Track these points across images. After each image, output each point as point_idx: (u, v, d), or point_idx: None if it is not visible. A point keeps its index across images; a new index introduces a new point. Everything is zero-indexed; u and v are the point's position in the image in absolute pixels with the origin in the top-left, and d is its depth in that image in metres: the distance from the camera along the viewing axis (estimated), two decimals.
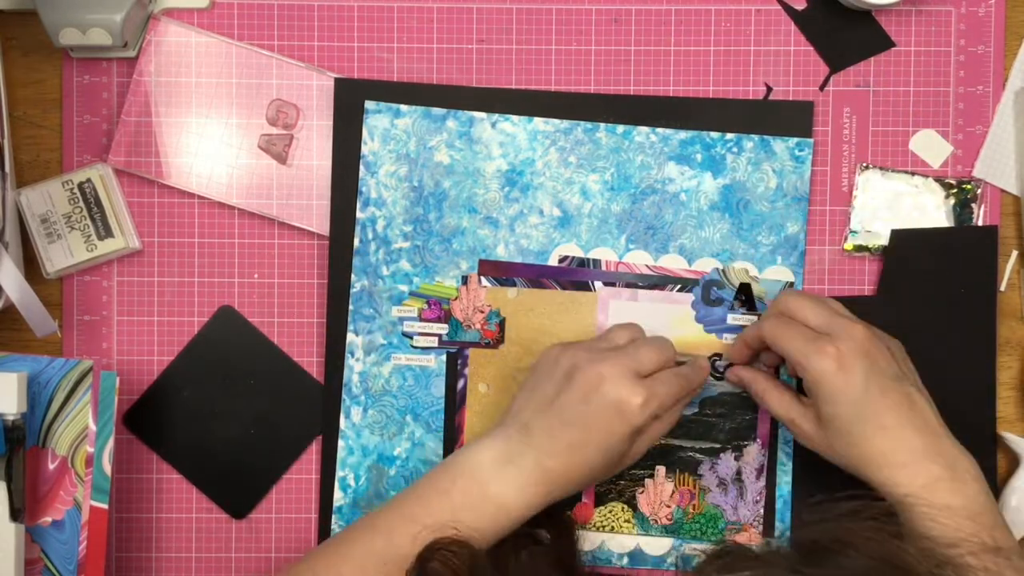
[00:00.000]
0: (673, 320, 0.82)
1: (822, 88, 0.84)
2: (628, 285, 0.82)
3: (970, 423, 0.83)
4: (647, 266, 0.82)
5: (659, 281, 0.82)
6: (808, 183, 0.82)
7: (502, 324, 0.83)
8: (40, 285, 0.81)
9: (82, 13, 0.78)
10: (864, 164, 0.83)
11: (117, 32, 0.78)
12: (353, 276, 0.82)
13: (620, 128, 0.82)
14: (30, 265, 0.82)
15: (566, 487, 0.73)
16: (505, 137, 0.82)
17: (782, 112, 0.82)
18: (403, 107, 0.82)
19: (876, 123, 0.84)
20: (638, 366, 0.73)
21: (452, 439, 0.83)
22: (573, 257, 0.82)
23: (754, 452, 0.83)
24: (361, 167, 0.82)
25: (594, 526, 0.83)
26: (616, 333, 0.77)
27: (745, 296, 0.82)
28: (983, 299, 0.83)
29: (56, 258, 0.81)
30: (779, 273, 0.82)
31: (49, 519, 0.78)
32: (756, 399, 0.78)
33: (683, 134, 0.82)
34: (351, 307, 0.82)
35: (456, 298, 0.83)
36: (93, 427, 0.77)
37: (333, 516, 0.83)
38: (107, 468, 0.77)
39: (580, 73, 0.83)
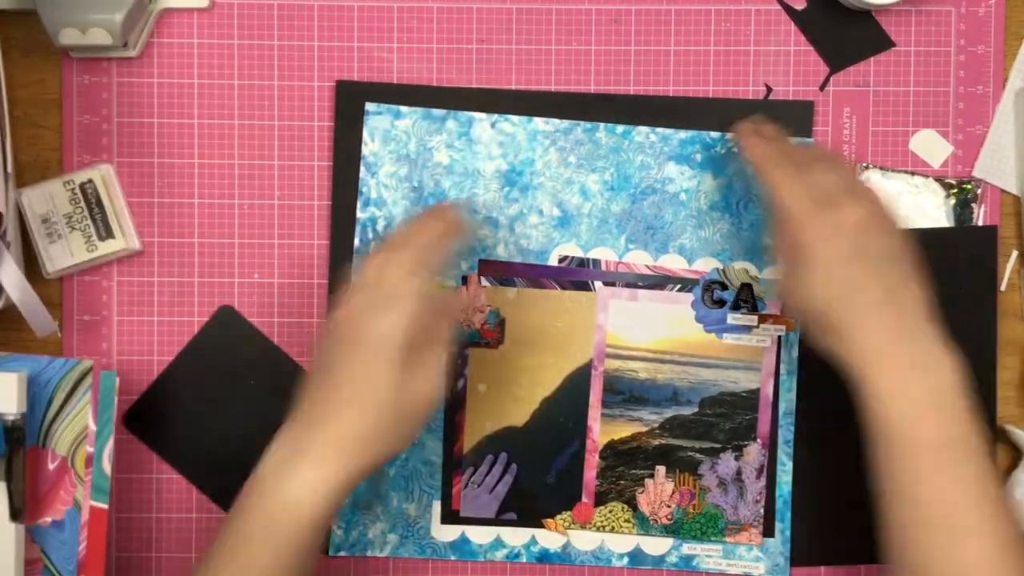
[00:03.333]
0: (673, 320, 0.82)
1: (822, 88, 0.84)
2: (628, 285, 0.82)
3: None
4: (647, 266, 0.82)
5: (659, 281, 0.83)
6: None
7: (502, 324, 0.83)
8: (40, 285, 0.81)
9: (82, 13, 0.78)
10: (865, 164, 0.83)
11: (117, 32, 0.78)
12: (353, 277, 0.82)
13: (620, 128, 0.82)
14: (30, 265, 0.82)
15: (361, 459, 0.66)
16: (505, 137, 0.82)
17: (782, 112, 0.82)
18: (403, 108, 0.82)
19: (876, 123, 0.84)
20: (382, 290, 0.68)
21: (452, 439, 0.83)
22: (573, 257, 0.82)
23: (754, 452, 0.83)
24: (362, 168, 0.82)
25: (594, 526, 0.83)
26: (367, 265, 0.70)
27: (747, 296, 0.82)
28: (983, 299, 0.83)
29: (56, 258, 0.81)
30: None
31: (49, 519, 0.78)
32: (766, 182, 0.73)
33: (683, 134, 0.82)
34: None
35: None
36: (93, 427, 0.77)
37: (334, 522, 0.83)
38: (107, 468, 0.77)
39: (580, 73, 0.83)
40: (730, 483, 0.83)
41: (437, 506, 0.83)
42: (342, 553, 0.83)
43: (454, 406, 0.83)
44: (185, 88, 0.83)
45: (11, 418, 0.75)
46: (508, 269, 0.83)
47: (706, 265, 0.82)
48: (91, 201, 0.82)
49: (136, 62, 0.83)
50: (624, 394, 0.83)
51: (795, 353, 0.83)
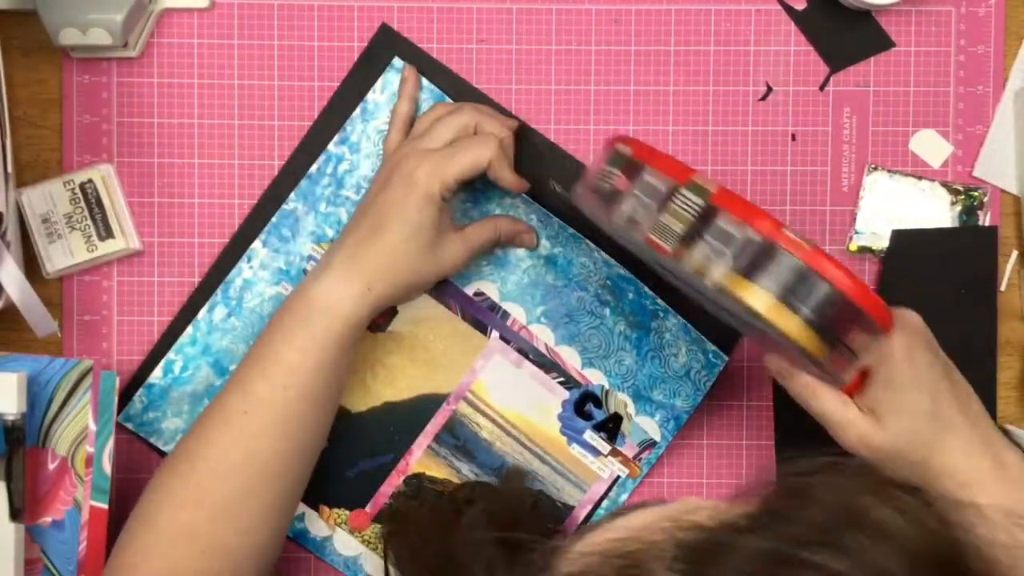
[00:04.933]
0: (539, 404, 0.83)
1: (822, 88, 0.84)
2: (520, 350, 0.83)
3: None
4: (546, 345, 0.83)
5: (548, 364, 0.82)
6: (705, 391, 0.83)
7: (392, 315, 0.82)
8: (40, 285, 0.81)
9: (82, 13, 0.78)
10: (872, 166, 0.83)
11: (117, 32, 0.78)
12: (293, 194, 0.82)
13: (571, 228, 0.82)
14: (30, 265, 0.82)
15: (386, 278, 0.74)
16: None
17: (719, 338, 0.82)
18: (425, 81, 0.82)
19: (876, 123, 0.84)
20: (429, 145, 0.75)
21: None
22: (488, 297, 0.82)
23: None
24: (357, 110, 0.82)
25: (362, 537, 0.83)
26: (440, 130, 0.76)
27: (613, 426, 0.82)
28: (983, 299, 0.83)
29: (56, 258, 0.81)
30: (648, 426, 0.83)
31: (49, 519, 0.78)
32: (798, 398, 0.69)
33: (621, 270, 0.82)
34: (274, 219, 0.82)
35: None
36: (93, 427, 0.77)
37: (140, 390, 0.82)
38: (107, 468, 0.77)
39: (580, 73, 0.83)
40: None
41: None
42: (129, 425, 0.82)
43: None
44: (185, 88, 0.83)
45: (11, 418, 0.75)
46: None
47: (595, 377, 0.82)
48: (91, 201, 0.82)
49: (136, 62, 0.83)
50: (459, 440, 0.83)
51: (623, 498, 0.83)
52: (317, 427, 0.75)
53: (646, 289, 0.82)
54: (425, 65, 0.82)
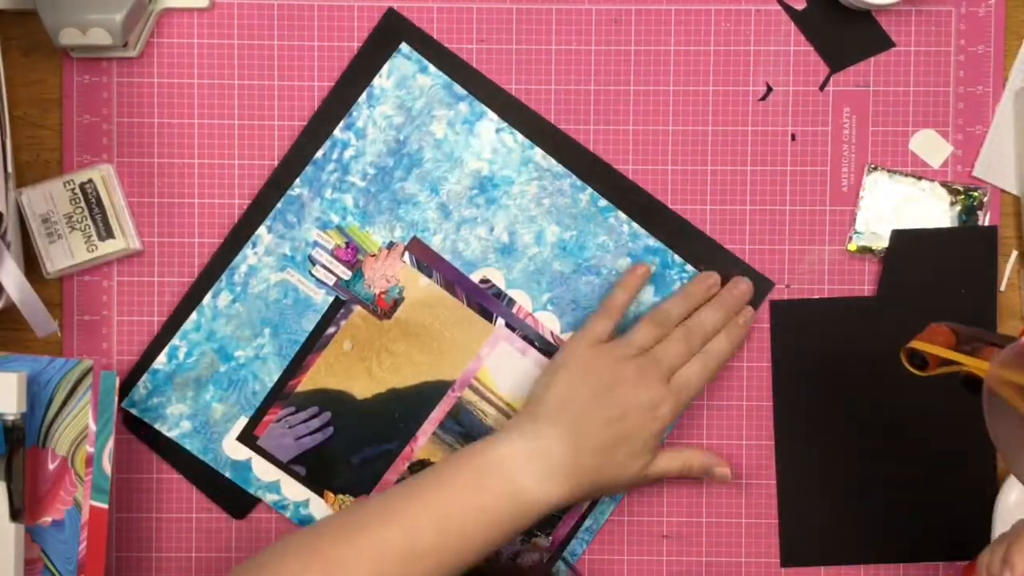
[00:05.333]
0: None
1: (822, 88, 0.84)
2: (525, 338, 0.83)
3: (970, 422, 0.83)
4: (552, 332, 0.83)
5: (554, 351, 0.82)
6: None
7: (398, 302, 0.82)
8: (40, 285, 0.81)
9: (82, 13, 0.78)
10: (872, 166, 0.83)
11: (117, 32, 0.78)
12: (298, 180, 0.82)
13: (602, 202, 0.82)
14: (30, 265, 0.82)
15: (591, 489, 0.75)
16: (501, 147, 0.82)
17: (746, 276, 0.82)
18: (432, 67, 0.82)
19: (876, 123, 0.84)
20: (665, 368, 0.77)
21: (292, 373, 0.83)
22: (494, 284, 0.83)
23: (540, 546, 0.84)
24: (364, 95, 0.82)
25: None
26: (638, 334, 0.78)
27: None
28: (983, 299, 0.83)
29: (56, 258, 0.81)
30: None
31: (49, 519, 0.78)
32: None
33: (651, 241, 0.82)
34: (279, 204, 0.82)
35: (374, 255, 0.82)
36: (93, 427, 0.77)
37: (144, 376, 0.82)
38: (107, 468, 0.77)
39: (580, 73, 0.83)
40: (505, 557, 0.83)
41: (242, 422, 0.83)
42: (133, 410, 0.82)
43: (312, 346, 0.83)
44: (185, 88, 0.83)
45: (11, 418, 0.75)
46: (433, 259, 0.83)
47: None
48: (91, 201, 0.82)
49: (136, 62, 0.83)
50: (463, 428, 0.83)
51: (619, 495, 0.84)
52: None
53: (676, 258, 0.82)
54: (432, 51, 0.82)
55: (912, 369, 0.69)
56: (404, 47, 0.82)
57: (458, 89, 0.82)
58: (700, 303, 0.80)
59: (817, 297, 0.83)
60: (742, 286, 0.81)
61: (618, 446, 0.75)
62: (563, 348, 0.79)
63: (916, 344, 0.69)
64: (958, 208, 0.83)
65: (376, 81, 0.82)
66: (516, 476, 0.73)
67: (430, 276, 0.83)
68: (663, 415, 0.76)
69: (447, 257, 0.83)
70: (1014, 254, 0.84)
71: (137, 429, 0.84)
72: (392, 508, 0.73)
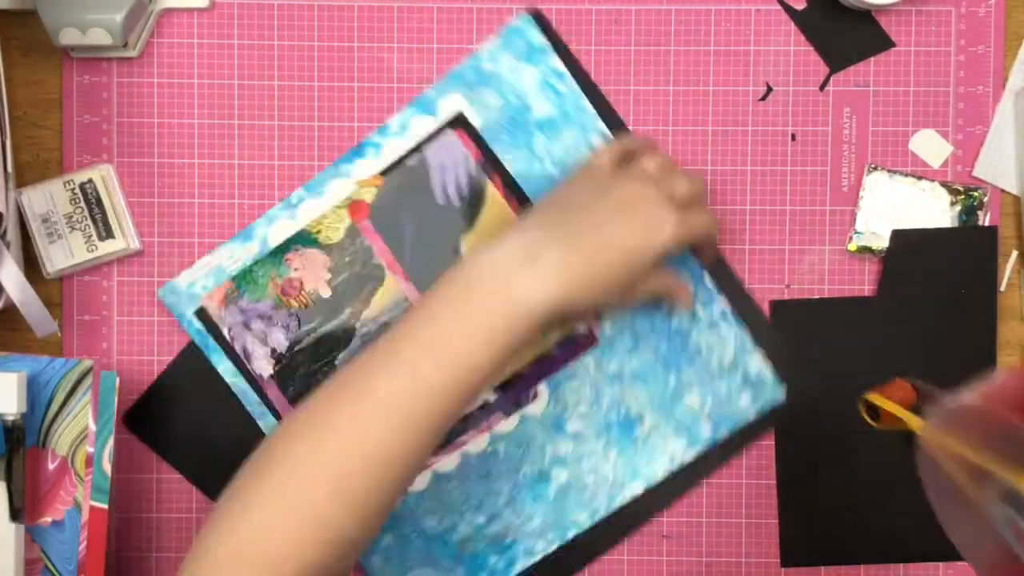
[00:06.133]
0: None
1: (822, 88, 0.84)
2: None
3: None
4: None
5: None
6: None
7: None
8: (40, 285, 0.81)
9: (82, 13, 0.78)
10: (872, 165, 0.83)
11: (117, 32, 0.78)
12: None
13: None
14: (30, 265, 0.82)
15: (583, 292, 0.70)
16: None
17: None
18: (566, 72, 0.83)
19: (876, 123, 0.84)
20: (672, 193, 0.73)
21: None
22: None
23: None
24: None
25: None
26: (646, 161, 0.75)
27: None
28: (983, 299, 0.83)
29: (56, 258, 0.81)
30: None
31: (49, 519, 0.78)
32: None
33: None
34: None
35: None
36: (93, 427, 0.77)
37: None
38: (107, 468, 0.77)
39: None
40: None
41: None
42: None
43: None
44: (185, 88, 0.83)
45: (11, 418, 0.75)
46: None
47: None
48: (91, 201, 0.82)
49: (136, 62, 0.83)
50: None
51: None
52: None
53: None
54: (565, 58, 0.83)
55: (867, 419, 0.72)
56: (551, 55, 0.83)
57: (589, 109, 0.82)
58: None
59: (817, 297, 0.83)
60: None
61: (617, 253, 0.70)
62: (563, 182, 0.76)
63: (872, 397, 0.71)
64: (958, 208, 0.83)
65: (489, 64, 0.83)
66: (505, 281, 0.68)
67: None
68: (665, 237, 0.71)
69: None
70: (1014, 254, 0.84)
71: (137, 429, 0.84)
72: (392, 348, 0.68)
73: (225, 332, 0.82)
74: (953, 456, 0.62)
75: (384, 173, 0.83)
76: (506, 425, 0.83)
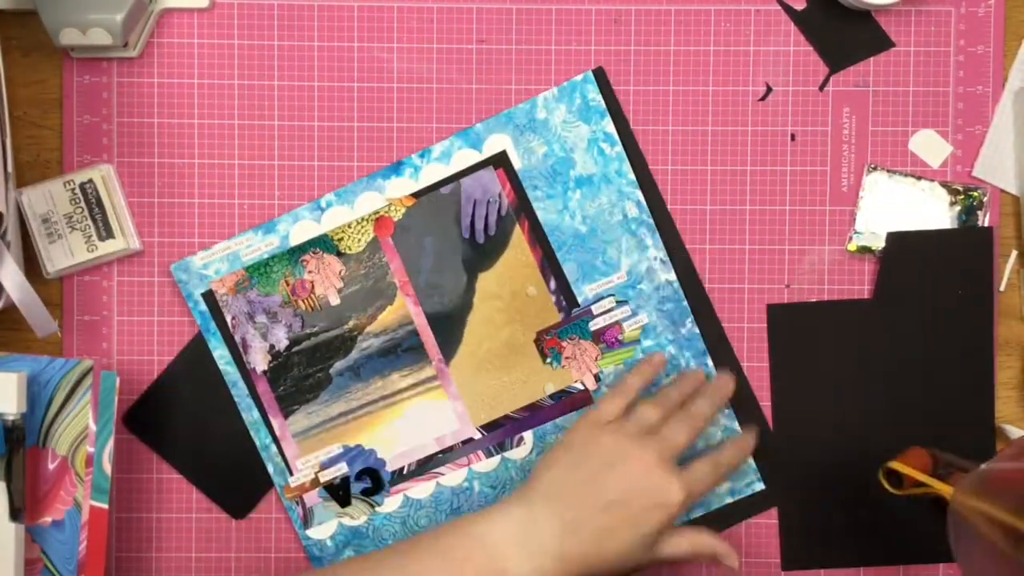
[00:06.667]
0: None
1: (822, 88, 0.84)
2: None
3: (970, 423, 0.83)
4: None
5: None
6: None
7: None
8: (40, 285, 0.81)
9: (82, 13, 0.78)
10: (872, 166, 0.83)
11: (117, 32, 0.78)
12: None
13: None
14: (30, 265, 0.82)
15: (582, 567, 0.72)
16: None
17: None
18: (615, 134, 0.82)
19: (876, 123, 0.84)
20: (675, 452, 0.74)
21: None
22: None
23: None
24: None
25: None
26: (647, 412, 0.76)
27: None
28: (981, 300, 0.83)
29: (56, 258, 0.81)
30: None
31: (49, 519, 0.78)
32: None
33: (700, 343, 0.83)
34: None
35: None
36: (93, 427, 0.77)
37: None
38: (107, 468, 0.77)
39: (580, 73, 0.83)
40: None
41: None
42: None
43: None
44: (185, 88, 0.83)
45: (11, 418, 0.75)
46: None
47: None
48: (91, 201, 0.82)
49: (136, 62, 0.83)
50: None
51: None
52: None
53: (709, 362, 0.83)
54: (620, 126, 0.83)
55: (888, 487, 0.75)
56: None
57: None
58: (691, 392, 0.79)
59: (815, 300, 0.83)
60: (730, 384, 0.80)
61: (617, 532, 0.72)
62: (569, 430, 0.76)
63: (894, 465, 0.74)
64: (958, 208, 0.83)
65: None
66: (500, 558, 0.70)
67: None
68: (671, 504, 0.72)
69: None
70: (1014, 254, 0.84)
71: (137, 429, 0.84)
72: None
73: (228, 319, 0.83)
74: (987, 519, 0.64)
75: (417, 195, 0.83)
76: (486, 465, 0.83)
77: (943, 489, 0.71)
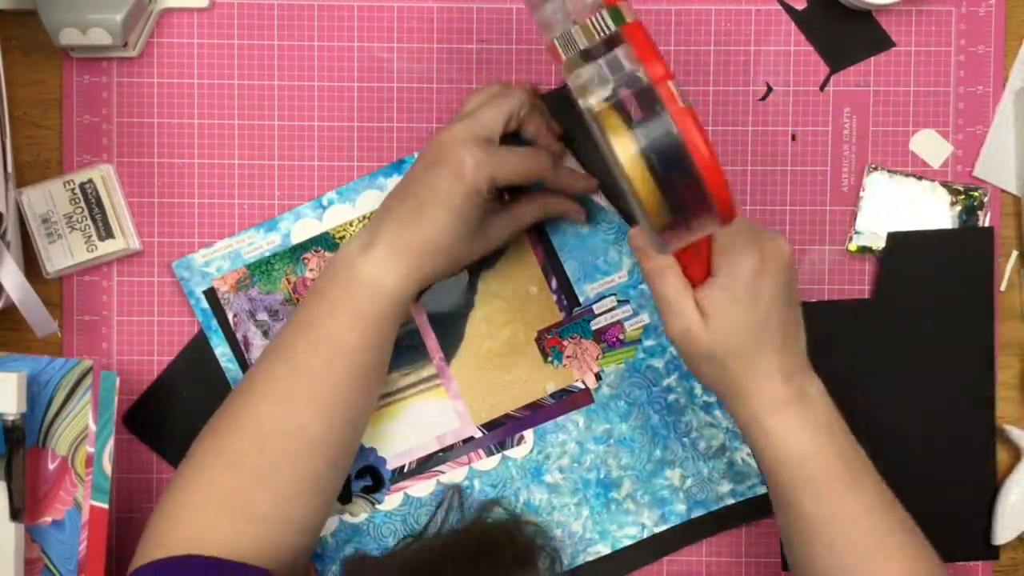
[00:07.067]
0: None
1: (822, 88, 0.84)
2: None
3: (970, 423, 0.83)
4: None
5: None
6: None
7: None
8: (40, 285, 0.81)
9: (82, 13, 0.78)
10: (872, 166, 0.83)
11: (117, 32, 0.78)
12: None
13: None
14: (30, 265, 0.82)
15: (433, 257, 0.73)
16: None
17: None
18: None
19: (876, 123, 0.84)
20: (479, 128, 0.74)
21: None
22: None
23: None
24: None
25: None
26: (471, 99, 0.77)
27: None
28: (981, 300, 0.83)
29: (56, 258, 0.81)
30: None
31: (49, 519, 0.78)
32: (646, 278, 0.71)
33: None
34: None
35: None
36: (93, 427, 0.77)
37: None
38: (107, 468, 0.77)
39: None
40: None
41: None
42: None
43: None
44: (185, 88, 0.83)
45: (11, 418, 0.75)
46: None
47: None
48: (91, 201, 0.82)
49: (136, 62, 0.83)
50: None
51: None
52: (365, 402, 0.75)
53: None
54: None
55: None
56: None
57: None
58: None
59: (815, 300, 0.83)
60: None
61: (432, 208, 0.72)
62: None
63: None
64: (958, 208, 0.83)
65: None
66: (350, 265, 0.73)
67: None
68: (467, 166, 0.72)
69: None
70: (1014, 254, 0.84)
71: (137, 429, 0.84)
72: (278, 343, 0.74)
73: (229, 317, 0.83)
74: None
75: None
76: (486, 463, 0.83)
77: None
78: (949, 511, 0.83)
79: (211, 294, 0.82)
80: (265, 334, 0.83)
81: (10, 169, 0.80)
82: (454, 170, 0.72)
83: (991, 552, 0.84)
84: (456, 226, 0.73)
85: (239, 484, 0.71)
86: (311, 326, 0.73)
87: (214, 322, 0.82)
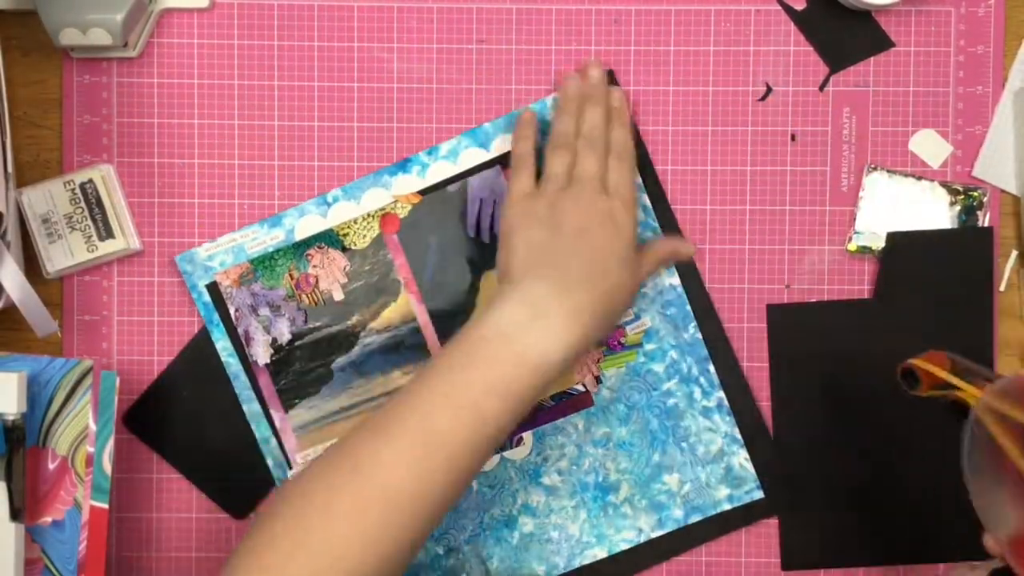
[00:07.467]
0: None
1: (822, 88, 0.84)
2: None
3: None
4: None
5: None
6: None
7: None
8: (40, 285, 0.81)
9: (82, 13, 0.78)
10: (872, 166, 0.83)
11: (117, 32, 0.78)
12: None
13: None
14: (30, 265, 0.82)
15: (601, 319, 0.73)
16: None
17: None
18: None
19: (876, 123, 0.84)
20: (596, 181, 0.76)
21: None
22: None
23: None
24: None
25: None
26: (556, 166, 0.77)
27: None
28: (981, 300, 0.83)
29: (56, 258, 0.81)
30: None
31: (49, 519, 0.78)
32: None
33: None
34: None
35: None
36: (93, 427, 0.77)
37: None
38: (107, 468, 0.77)
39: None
40: None
41: None
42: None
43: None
44: (185, 88, 0.83)
45: (11, 418, 0.75)
46: None
47: None
48: (91, 201, 0.82)
49: (136, 62, 0.83)
50: None
51: None
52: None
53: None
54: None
55: (904, 386, 0.71)
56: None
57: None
58: (580, 107, 0.80)
59: (815, 300, 0.83)
60: (595, 72, 0.81)
61: (601, 266, 0.73)
62: (502, 219, 0.77)
63: (916, 362, 0.70)
64: (958, 208, 0.83)
65: None
66: (521, 339, 0.70)
67: None
68: (622, 222, 0.75)
69: None
70: (1014, 254, 0.84)
71: (137, 429, 0.84)
72: (410, 396, 0.70)
73: (231, 311, 0.83)
74: (1011, 427, 0.62)
75: (423, 192, 0.83)
76: (486, 464, 0.83)
77: (969, 391, 0.66)
78: (949, 512, 0.83)
79: (213, 288, 0.82)
80: (267, 329, 0.83)
81: (10, 169, 0.80)
82: (609, 225, 0.74)
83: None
84: (629, 281, 0.75)
85: (358, 541, 0.67)
86: (457, 396, 0.69)
87: (216, 316, 0.82)
